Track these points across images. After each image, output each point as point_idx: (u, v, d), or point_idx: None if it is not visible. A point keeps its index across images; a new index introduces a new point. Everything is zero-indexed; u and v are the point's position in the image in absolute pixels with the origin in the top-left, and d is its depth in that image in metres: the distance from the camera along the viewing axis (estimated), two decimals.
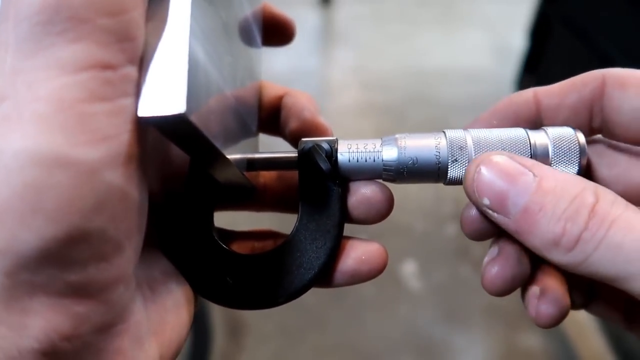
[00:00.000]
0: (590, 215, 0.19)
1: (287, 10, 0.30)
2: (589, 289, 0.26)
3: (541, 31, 1.39)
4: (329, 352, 1.04)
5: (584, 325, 0.96)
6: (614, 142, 0.25)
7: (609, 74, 0.24)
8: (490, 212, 0.21)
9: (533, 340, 1.05)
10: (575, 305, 0.25)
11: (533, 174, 0.20)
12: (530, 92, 0.26)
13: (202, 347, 0.93)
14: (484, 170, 0.21)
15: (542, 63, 1.41)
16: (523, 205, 0.20)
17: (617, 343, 0.94)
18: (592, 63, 1.16)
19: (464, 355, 1.05)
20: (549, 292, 0.24)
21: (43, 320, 0.16)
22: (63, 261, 0.15)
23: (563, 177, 0.20)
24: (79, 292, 0.16)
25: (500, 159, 0.21)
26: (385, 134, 0.25)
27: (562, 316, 0.24)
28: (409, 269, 1.19)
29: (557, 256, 0.20)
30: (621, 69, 0.24)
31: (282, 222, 0.29)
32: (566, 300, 0.24)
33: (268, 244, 0.27)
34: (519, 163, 0.21)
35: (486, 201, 0.21)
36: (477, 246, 1.25)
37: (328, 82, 1.84)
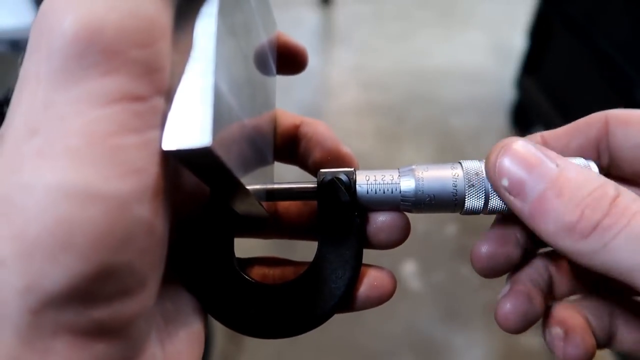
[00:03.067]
0: (611, 205, 0.19)
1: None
2: (610, 327, 0.26)
3: (541, 31, 1.39)
4: (329, 352, 1.04)
5: None
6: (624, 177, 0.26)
7: (611, 114, 0.25)
8: (506, 194, 0.21)
9: (533, 340, 1.05)
10: (598, 345, 0.25)
11: (556, 164, 0.21)
12: (537, 136, 0.26)
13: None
14: (508, 153, 0.21)
15: (542, 63, 1.41)
16: (541, 190, 0.20)
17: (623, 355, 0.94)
18: (592, 63, 1.17)
19: (464, 355, 1.05)
20: (573, 333, 0.24)
21: None
22: (89, 298, 0.15)
23: (585, 171, 0.21)
24: (102, 329, 0.16)
25: (525, 145, 0.21)
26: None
27: (589, 357, 0.24)
28: (409, 269, 1.19)
29: (569, 243, 0.19)
30: (622, 110, 0.25)
31: (275, 247, 0.29)
32: (592, 339, 0.24)
33: (285, 271, 0.27)
34: (543, 152, 0.21)
35: (505, 182, 0.21)
36: None
37: (328, 82, 1.84)
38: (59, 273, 0.14)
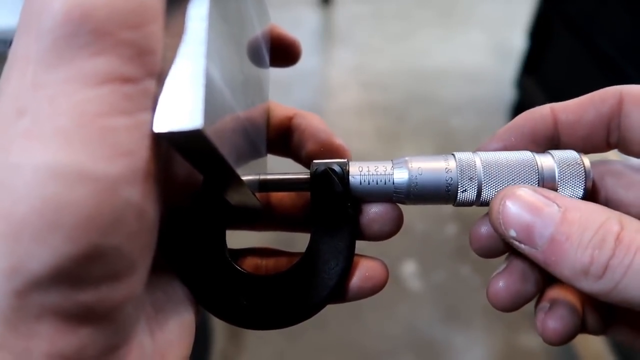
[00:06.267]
0: (616, 242, 0.19)
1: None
2: (608, 314, 0.26)
3: (541, 31, 1.39)
4: (329, 352, 1.04)
5: None
6: (631, 163, 0.25)
7: (626, 91, 0.24)
8: (517, 243, 0.22)
9: (533, 340, 1.05)
10: (593, 331, 0.25)
11: (557, 205, 0.21)
12: (547, 108, 0.26)
13: (203, 347, 0.93)
14: (509, 203, 0.22)
15: (542, 63, 1.41)
16: (549, 236, 0.20)
17: (617, 343, 0.94)
18: (592, 63, 1.17)
19: (464, 355, 1.05)
20: (557, 307, 0.24)
21: (48, 344, 0.15)
22: (76, 280, 0.15)
23: (587, 207, 0.21)
24: (88, 313, 0.15)
25: (524, 192, 0.22)
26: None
27: (569, 333, 0.24)
28: (409, 269, 1.19)
29: (588, 285, 0.20)
30: (638, 86, 0.24)
31: (274, 240, 0.29)
32: (575, 318, 0.24)
33: (278, 262, 0.27)
34: (542, 195, 0.21)
35: (513, 233, 0.21)
36: None
37: (328, 82, 1.84)
38: (46, 254, 0.14)
